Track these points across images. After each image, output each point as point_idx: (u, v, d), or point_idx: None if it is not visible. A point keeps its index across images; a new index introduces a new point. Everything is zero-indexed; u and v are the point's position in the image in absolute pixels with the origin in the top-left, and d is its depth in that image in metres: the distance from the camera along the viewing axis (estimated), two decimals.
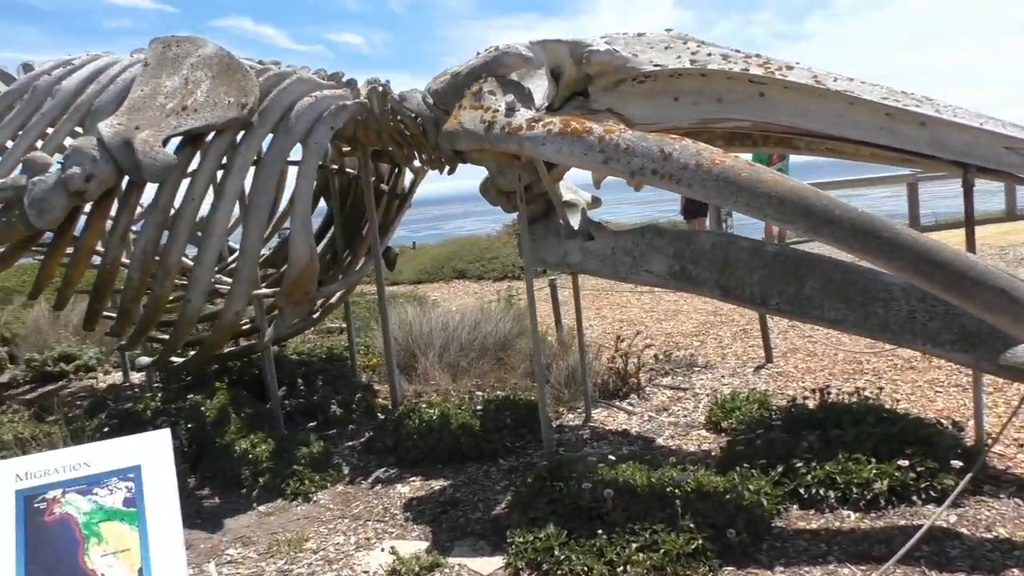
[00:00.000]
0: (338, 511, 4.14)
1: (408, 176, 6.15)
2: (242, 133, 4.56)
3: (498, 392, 5.43)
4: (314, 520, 4.04)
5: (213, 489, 4.54)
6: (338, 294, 6.04)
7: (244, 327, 6.05)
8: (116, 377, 7.62)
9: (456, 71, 4.32)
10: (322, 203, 6.35)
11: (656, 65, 4.20)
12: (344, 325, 7.65)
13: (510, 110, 3.98)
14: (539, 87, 4.38)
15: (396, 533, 3.82)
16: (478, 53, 4.33)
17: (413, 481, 4.45)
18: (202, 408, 5.09)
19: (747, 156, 4.27)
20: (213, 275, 4.75)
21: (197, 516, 4.17)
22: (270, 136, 4.63)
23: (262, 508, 4.26)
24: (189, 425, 4.89)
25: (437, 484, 4.36)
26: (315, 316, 6.02)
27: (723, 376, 5.95)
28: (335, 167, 6.02)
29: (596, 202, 5.24)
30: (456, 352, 6.42)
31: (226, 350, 5.72)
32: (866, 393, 4.43)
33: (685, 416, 5.10)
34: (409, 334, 6.66)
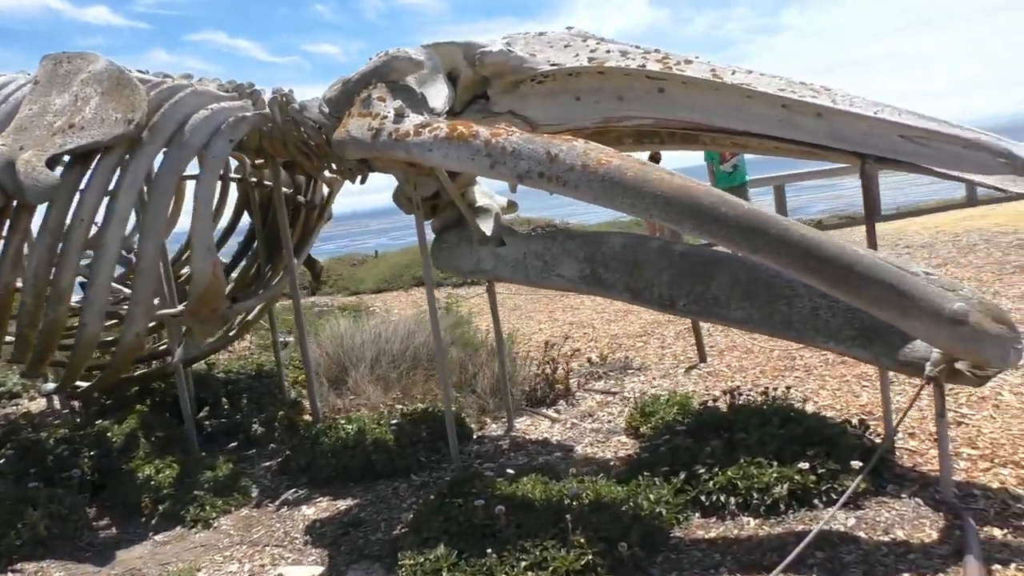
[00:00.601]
0: (237, 537, 3.98)
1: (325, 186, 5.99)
2: (132, 150, 4.38)
3: (418, 405, 5.28)
4: (211, 548, 3.88)
5: (113, 519, 4.36)
6: (256, 309, 5.86)
7: (161, 347, 5.88)
8: (42, 404, 7.39)
9: (348, 78, 4.18)
10: (245, 217, 6.21)
11: (553, 64, 4.09)
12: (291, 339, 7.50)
13: (398, 116, 3.84)
14: (440, 92, 4.26)
15: (293, 559, 3.67)
16: (371, 59, 4.20)
17: (320, 502, 4.30)
18: (108, 433, 4.90)
19: (700, 154, 4.17)
20: (108, 297, 4.57)
21: (89, 548, 4.00)
22: (163, 151, 4.47)
23: (159, 537, 4.09)
24: (91, 452, 4.70)
25: (344, 504, 4.22)
26: (232, 333, 5.85)
27: (655, 378, 5.84)
28: (254, 180, 5.86)
29: (512, 206, 5.13)
30: (387, 364, 6.27)
31: (139, 372, 5.54)
32: (776, 392, 4.33)
33: (609, 422, 4.98)
34: (340, 346, 6.50)
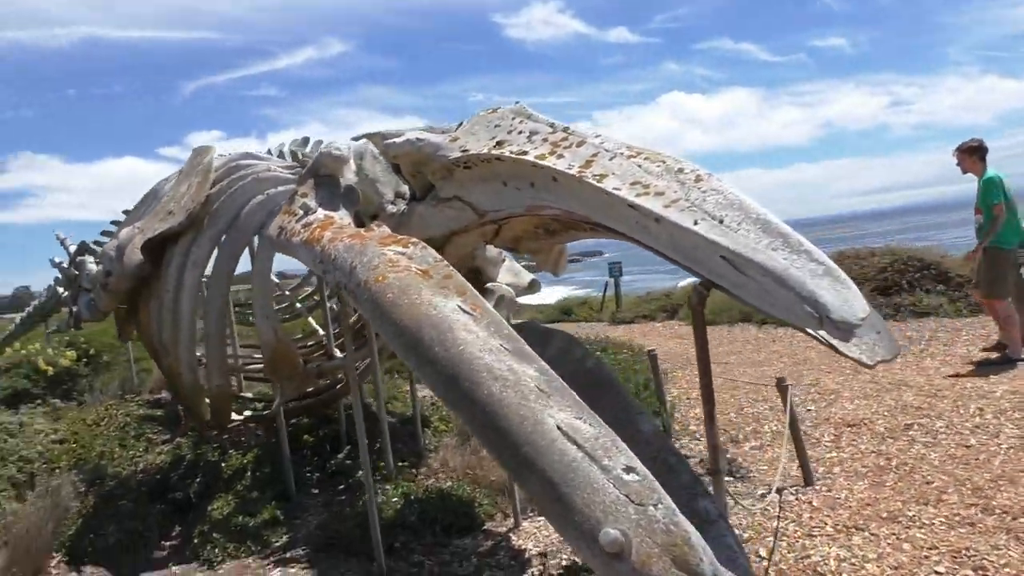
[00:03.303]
0: None
1: None
2: (197, 233, 5.16)
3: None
4: None
5: (181, 540, 5.20)
6: (366, 362, 6.26)
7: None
8: None
9: (303, 170, 4.36)
10: None
11: (463, 151, 3.73)
12: None
13: (305, 213, 3.91)
14: (389, 181, 4.21)
15: None
16: None
17: (291, 569, 4.57)
18: (222, 464, 5.83)
19: None
20: (190, 354, 5.40)
21: (143, 563, 4.84)
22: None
23: (177, 569, 4.80)
24: (199, 478, 5.66)
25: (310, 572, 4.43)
26: (339, 386, 6.39)
27: (745, 497, 4.76)
28: None
29: (533, 286, 4.73)
30: None
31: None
32: None
33: None
34: None
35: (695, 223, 2.51)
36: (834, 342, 2.39)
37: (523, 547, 4.44)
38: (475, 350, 2.57)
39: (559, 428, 2.28)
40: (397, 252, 3.22)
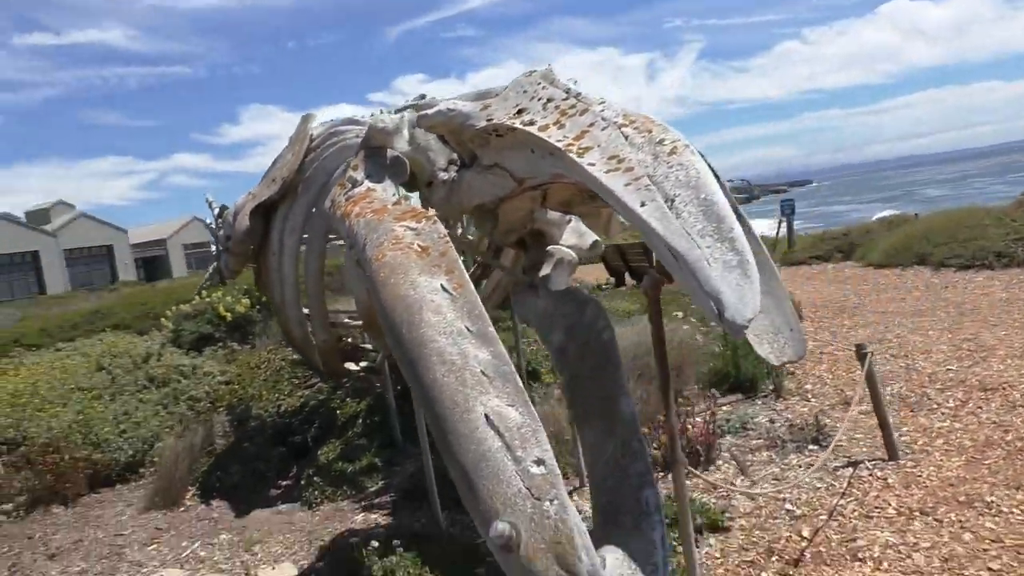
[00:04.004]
0: (311, 525, 4.90)
1: None
2: (292, 201, 5.52)
3: None
4: (290, 527, 4.91)
5: (293, 480, 5.73)
6: None
7: None
8: None
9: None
10: None
11: (488, 119, 3.73)
12: None
13: (352, 186, 4.08)
14: (441, 151, 4.29)
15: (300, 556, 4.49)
16: None
17: (372, 515, 4.91)
18: (337, 411, 6.31)
19: None
20: (296, 312, 5.81)
21: (260, 500, 5.42)
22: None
23: (283, 507, 5.31)
24: (317, 424, 6.17)
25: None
26: None
27: (830, 466, 4.47)
28: None
29: (596, 246, 4.64)
30: None
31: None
32: None
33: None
34: None
35: (641, 204, 2.40)
36: (749, 336, 2.24)
37: (582, 508, 4.48)
38: (434, 333, 2.63)
39: (487, 416, 2.31)
40: (406, 228, 3.31)
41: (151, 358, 8.37)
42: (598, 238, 4.61)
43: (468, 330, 2.67)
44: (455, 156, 4.36)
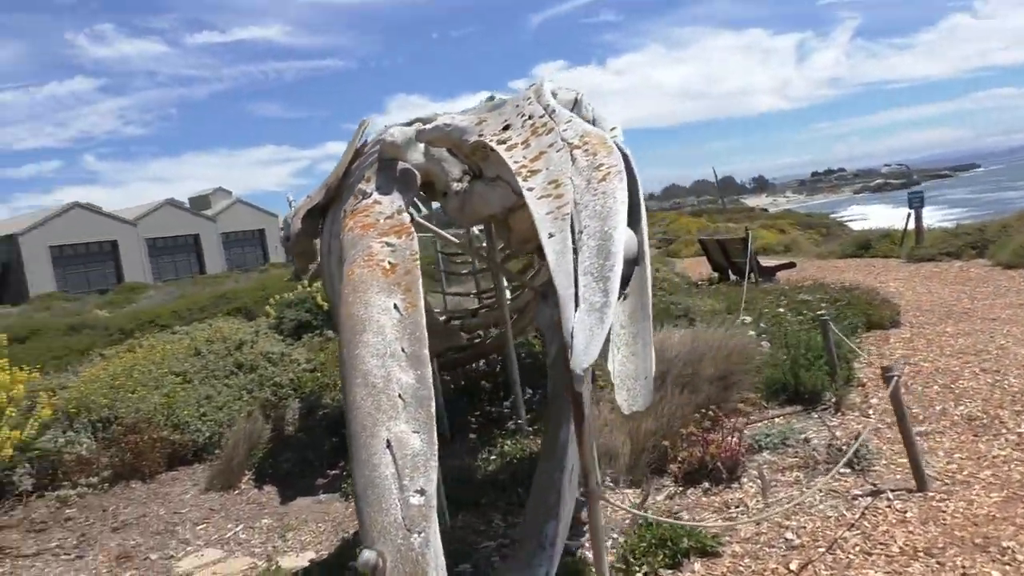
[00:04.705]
0: (332, 516, 5.14)
1: None
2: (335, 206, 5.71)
3: None
4: (327, 518, 5.16)
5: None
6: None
7: None
8: None
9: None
10: None
11: (479, 135, 3.76)
12: None
13: (362, 198, 4.21)
14: (453, 162, 4.35)
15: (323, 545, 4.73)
16: None
17: None
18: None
19: None
20: None
21: (307, 488, 5.71)
22: None
23: (323, 496, 5.56)
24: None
25: None
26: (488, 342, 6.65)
27: (851, 496, 4.21)
28: None
29: None
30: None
31: None
32: None
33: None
34: None
35: (549, 236, 2.40)
36: (614, 381, 2.18)
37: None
38: (366, 354, 2.73)
39: (388, 442, 2.38)
40: (384, 244, 3.42)
41: (244, 345, 8.93)
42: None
43: (403, 351, 2.75)
44: (468, 167, 4.41)
